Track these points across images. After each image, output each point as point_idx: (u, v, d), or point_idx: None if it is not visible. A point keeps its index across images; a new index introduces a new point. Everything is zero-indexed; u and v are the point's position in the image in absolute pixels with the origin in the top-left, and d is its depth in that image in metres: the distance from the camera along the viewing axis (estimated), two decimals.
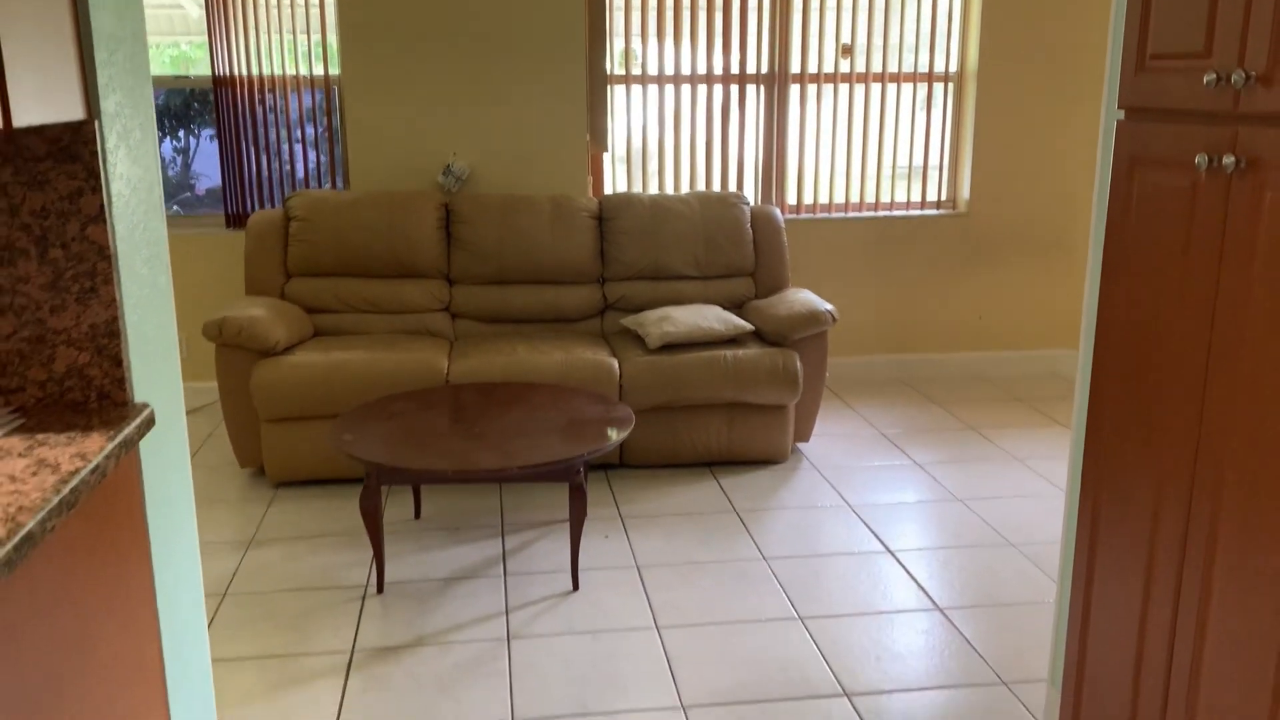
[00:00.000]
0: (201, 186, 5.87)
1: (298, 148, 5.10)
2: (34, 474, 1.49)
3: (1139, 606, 1.94)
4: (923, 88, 5.43)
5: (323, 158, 5.14)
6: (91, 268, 1.77)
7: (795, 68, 5.31)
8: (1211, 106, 1.67)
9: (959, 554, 3.55)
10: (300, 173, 5.14)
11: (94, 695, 1.60)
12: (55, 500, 1.40)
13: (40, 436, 1.65)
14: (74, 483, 1.46)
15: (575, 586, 3.31)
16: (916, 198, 5.57)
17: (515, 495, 4.08)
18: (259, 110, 5.03)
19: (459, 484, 4.17)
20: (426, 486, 4.15)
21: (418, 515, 3.88)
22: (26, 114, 1.47)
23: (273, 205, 5.14)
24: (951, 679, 2.79)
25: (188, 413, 5.05)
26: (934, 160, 5.52)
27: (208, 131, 5.71)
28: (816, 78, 5.34)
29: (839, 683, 2.77)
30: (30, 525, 1.33)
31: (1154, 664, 1.90)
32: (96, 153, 1.73)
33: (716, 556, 3.53)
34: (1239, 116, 1.63)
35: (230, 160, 5.06)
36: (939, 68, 5.41)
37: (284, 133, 5.07)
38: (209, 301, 5.12)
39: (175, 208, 5.65)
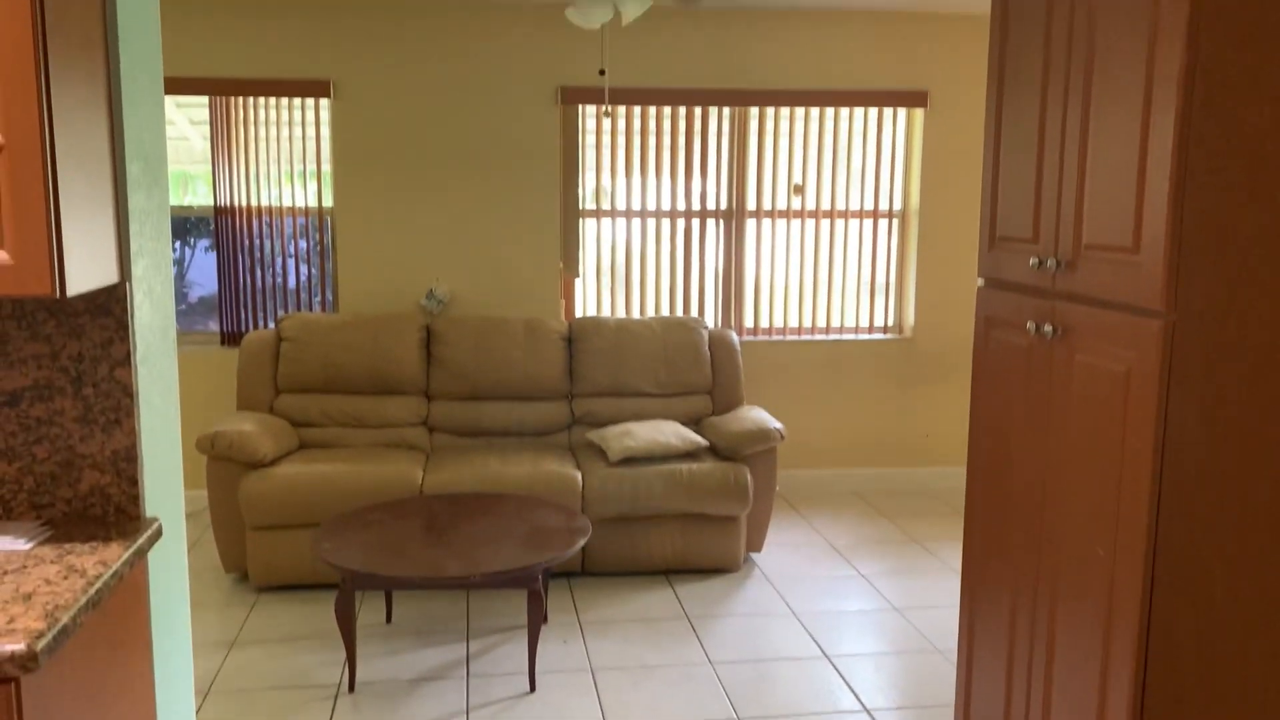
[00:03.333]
0: (194, 295, 6.27)
1: (290, 272, 5.51)
2: (65, 578, 1.81)
3: (1004, 691, 2.25)
4: (869, 223, 5.90)
5: (314, 281, 5.54)
6: (117, 403, 2.12)
7: (752, 204, 5.78)
8: (1036, 283, 2.07)
9: (891, 659, 3.83)
10: (292, 295, 5.53)
11: None
12: (84, 600, 1.72)
13: (67, 546, 1.97)
14: (98, 585, 1.78)
15: (533, 688, 3.57)
16: (865, 322, 5.99)
17: (482, 600, 4.36)
18: (256, 237, 5.44)
19: (428, 589, 4.45)
20: (398, 591, 4.43)
21: (389, 619, 4.15)
22: (75, 285, 1.84)
23: (266, 325, 5.52)
24: None
25: None
26: (880, 288, 5.96)
27: (203, 242, 6.12)
28: (771, 213, 5.81)
29: None
30: (65, 620, 1.64)
31: None
32: (126, 309, 2.10)
33: (667, 660, 3.80)
34: (1055, 293, 2.02)
35: (227, 282, 5.45)
36: (884, 205, 5.89)
37: (278, 258, 5.48)
38: (203, 414, 5.44)
39: None
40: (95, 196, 1.96)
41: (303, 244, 5.51)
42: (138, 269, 2.16)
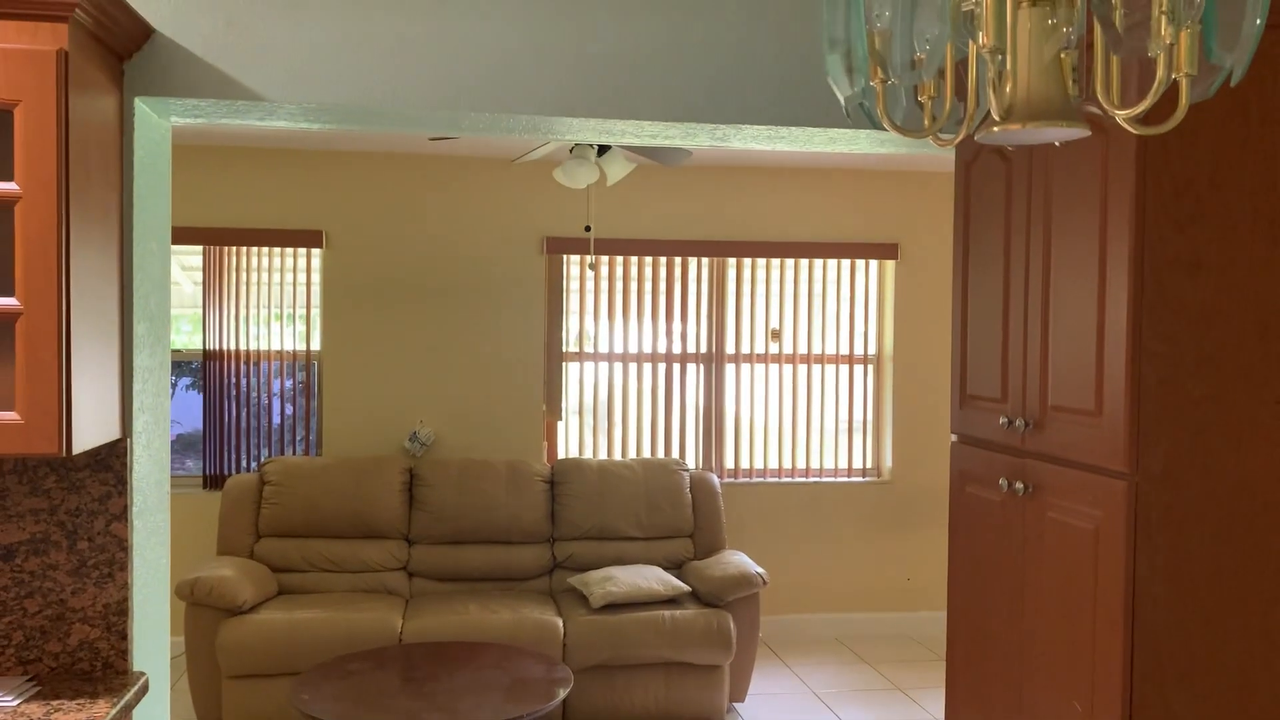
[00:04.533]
0: (174, 432, 6.29)
1: (275, 414, 5.56)
2: None
3: None
4: (845, 368, 6.05)
5: (299, 423, 5.59)
6: (111, 557, 2.15)
7: (731, 348, 5.93)
8: (1006, 441, 2.16)
9: None
10: (276, 435, 5.57)
11: None
12: None
13: (55, 703, 1.97)
14: None
15: None
16: (844, 464, 6.07)
17: None
18: (244, 380, 5.52)
19: None
20: None
21: None
22: (81, 444, 1.90)
23: (249, 467, 5.54)
24: None
25: None
26: (858, 431, 6.07)
27: (185, 380, 6.17)
28: (750, 357, 5.95)
29: None
30: None
31: None
32: (126, 463, 2.15)
33: None
34: (1025, 452, 2.11)
35: (212, 424, 5.50)
36: (859, 351, 6.06)
37: (264, 400, 5.54)
38: (184, 559, 5.40)
39: None
40: (103, 357, 2.04)
41: (288, 384, 5.58)
42: (138, 424, 2.22)
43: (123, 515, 2.15)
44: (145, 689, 2.12)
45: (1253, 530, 1.80)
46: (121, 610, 2.15)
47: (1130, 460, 1.77)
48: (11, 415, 1.82)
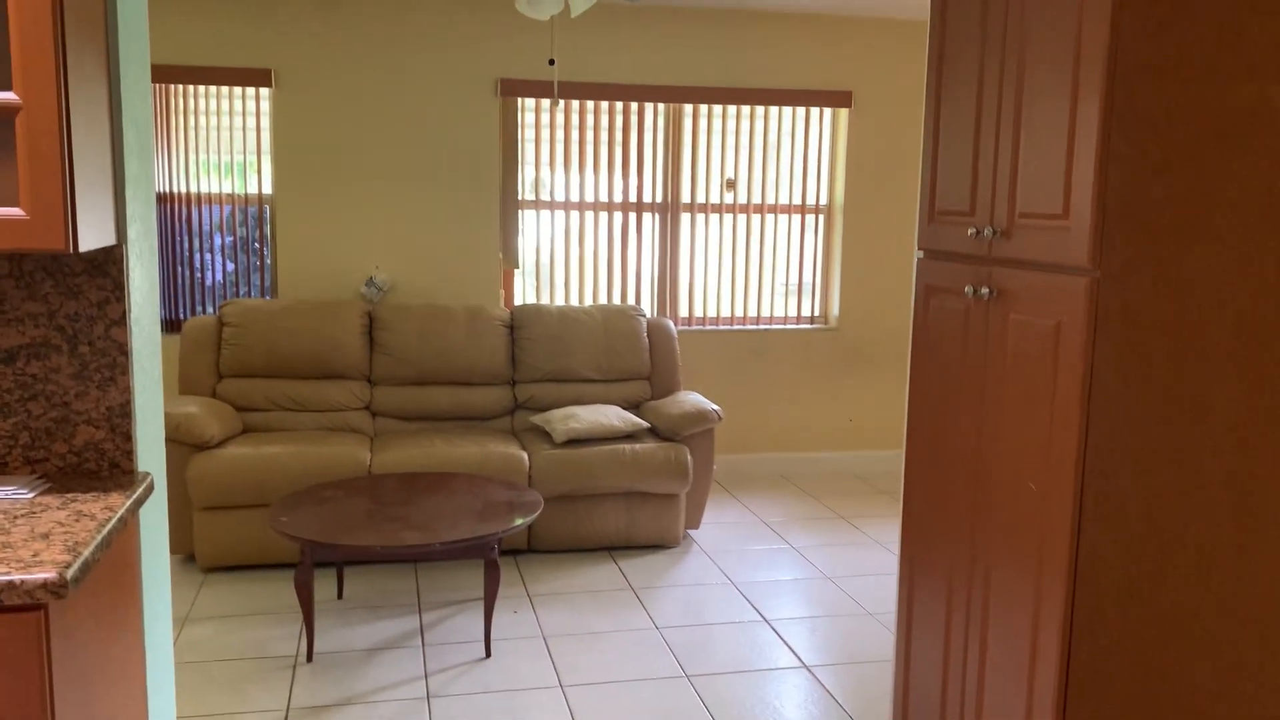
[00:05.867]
0: None
1: (229, 260, 5.52)
2: (76, 520, 1.90)
3: (941, 653, 2.47)
4: (797, 218, 6.15)
5: (252, 268, 5.56)
6: (112, 361, 2.20)
7: (686, 198, 5.98)
8: (973, 251, 2.29)
9: (826, 622, 4.06)
10: (231, 283, 5.54)
11: (110, 695, 1.97)
12: (99, 538, 1.81)
13: (70, 495, 2.05)
14: (109, 527, 1.87)
15: (488, 653, 3.70)
16: (794, 313, 6.24)
17: (431, 576, 4.46)
18: (195, 225, 5.45)
19: (381, 564, 4.53)
20: (348, 569, 4.50)
21: (340, 595, 4.22)
22: (86, 243, 1.93)
23: (204, 312, 5.52)
24: None
25: None
26: (808, 280, 6.22)
27: None
28: (705, 207, 6.02)
29: None
30: (86, 554, 1.74)
31: (953, 693, 2.43)
32: (123, 269, 2.18)
33: (615, 627, 3.96)
34: (991, 259, 2.24)
35: (167, 270, 5.45)
36: (811, 200, 6.15)
37: (219, 245, 5.49)
38: None
39: None
40: (98, 160, 2.05)
41: (241, 230, 5.53)
42: (132, 232, 2.24)
43: (122, 320, 2.20)
44: (151, 488, 2.21)
45: (1201, 326, 1.96)
46: (125, 413, 2.22)
47: (1094, 258, 1.91)
48: (15, 211, 1.84)
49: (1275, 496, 2.02)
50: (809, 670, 3.63)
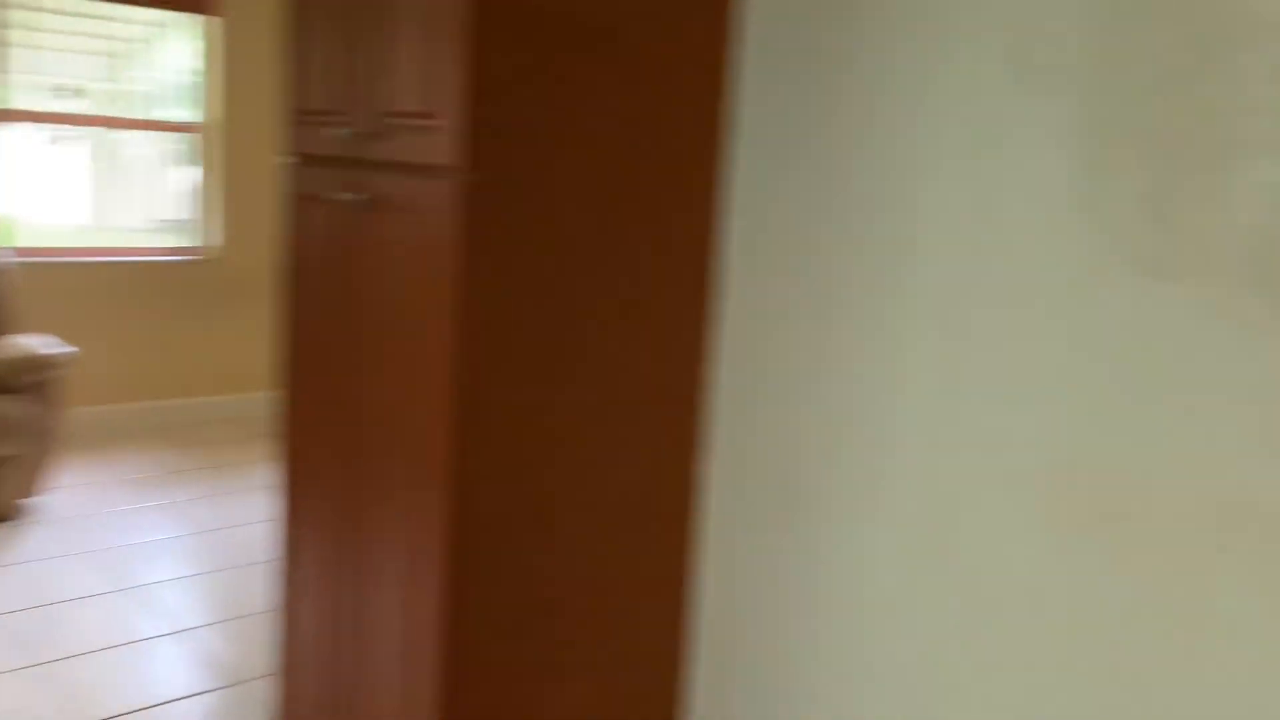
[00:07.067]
0: None
1: None
2: None
3: (321, 592, 2.30)
4: (166, 136, 5.48)
5: None
6: None
7: (17, 103, 5.00)
8: (345, 153, 2.10)
9: (209, 578, 3.68)
10: None
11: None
12: None
13: None
14: None
15: None
16: (168, 244, 5.58)
17: None
18: None
19: None
20: None
21: None
22: None
23: None
24: (201, 686, 2.93)
25: None
26: (183, 206, 5.59)
27: None
28: (44, 116, 5.09)
29: (85, 716, 2.74)
30: None
31: (338, 645, 2.27)
32: None
33: None
34: (365, 163, 2.08)
35: None
36: (183, 118, 5.51)
37: None
38: None
39: None
40: None
41: None
42: None
43: None
44: None
45: (571, 233, 1.98)
46: None
47: (465, 159, 1.82)
48: None
49: (634, 396, 2.13)
50: (187, 633, 3.25)
